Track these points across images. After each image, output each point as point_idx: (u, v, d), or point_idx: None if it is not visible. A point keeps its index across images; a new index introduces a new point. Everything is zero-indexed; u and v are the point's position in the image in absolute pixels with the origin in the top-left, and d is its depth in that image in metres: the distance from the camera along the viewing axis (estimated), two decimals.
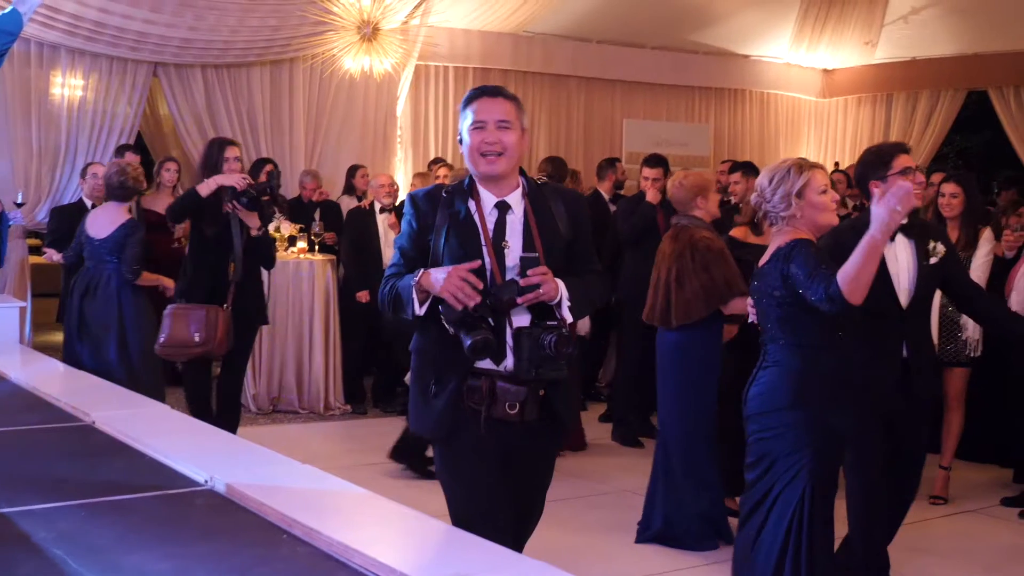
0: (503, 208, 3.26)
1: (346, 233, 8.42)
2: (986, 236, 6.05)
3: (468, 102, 3.26)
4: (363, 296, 8.21)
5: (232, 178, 5.85)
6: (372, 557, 2.28)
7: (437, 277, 3.11)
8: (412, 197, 3.37)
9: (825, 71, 13.23)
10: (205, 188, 5.84)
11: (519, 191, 3.29)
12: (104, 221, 6.41)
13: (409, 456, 6.47)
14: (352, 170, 9.38)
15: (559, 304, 3.17)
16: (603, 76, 11.69)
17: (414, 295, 3.15)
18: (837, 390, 3.59)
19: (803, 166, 3.64)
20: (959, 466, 6.43)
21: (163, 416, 4.15)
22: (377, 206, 8.31)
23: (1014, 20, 10.91)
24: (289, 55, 9.48)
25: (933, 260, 4.25)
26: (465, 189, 3.27)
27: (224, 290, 5.95)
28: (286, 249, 8.08)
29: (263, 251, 6.13)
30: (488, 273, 3.17)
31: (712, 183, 5.57)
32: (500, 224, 3.25)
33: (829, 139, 13.24)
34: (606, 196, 8.77)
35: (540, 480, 3.49)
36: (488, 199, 3.26)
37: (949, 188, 6.05)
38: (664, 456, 5.42)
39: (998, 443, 6.85)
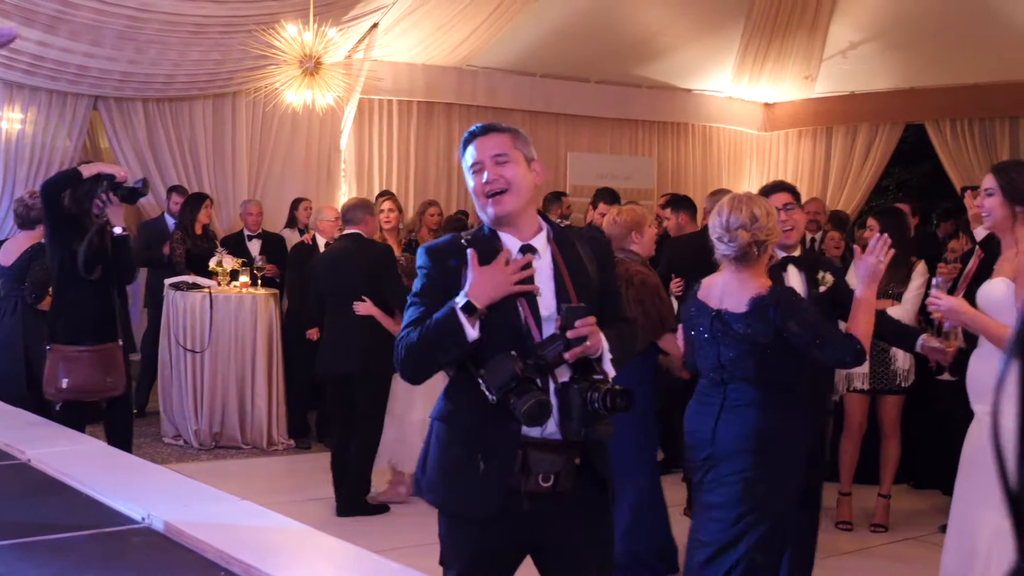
0: (530, 252, 2.94)
1: (290, 268, 8.37)
2: (919, 269, 6.13)
3: (464, 147, 2.99)
4: (312, 335, 8.18)
5: (114, 168, 5.69)
6: None
7: (483, 281, 2.82)
8: (429, 250, 3.05)
9: (766, 105, 13.42)
10: (87, 170, 5.57)
11: (543, 234, 2.99)
12: (12, 249, 6.48)
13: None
14: (295, 203, 9.34)
15: (601, 358, 2.87)
16: (547, 110, 11.77)
17: (461, 318, 2.79)
18: (804, 424, 3.74)
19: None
20: (900, 493, 6.50)
21: (101, 453, 4.07)
22: (321, 241, 8.27)
23: (948, 56, 11.15)
24: (231, 89, 9.45)
25: (822, 288, 4.36)
26: (487, 235, 2.96)
27: (112, 319, 5.64)
28: (228, 283, 8.01)
29: (123, 256, 5.66)
30: (523, 326, 2.86)
31: (646, 218, 5.57)
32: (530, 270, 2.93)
33: (771, 172, 13.41)
34: None
35: (594, 553, 3.02)
36: (512, 244, 2.94)
37: (871, 223, 6.13)
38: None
39: (939, 469, 6.92)
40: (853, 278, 4.03)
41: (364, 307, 6.34)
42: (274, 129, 9.75)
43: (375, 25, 9.86)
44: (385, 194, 9.28)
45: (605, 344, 2.86)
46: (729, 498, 3.66)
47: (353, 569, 2.70)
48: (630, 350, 3.08)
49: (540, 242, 2.96)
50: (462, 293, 2.82)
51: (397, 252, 7.87)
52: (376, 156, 10.67)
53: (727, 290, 3.73)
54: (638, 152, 12.65)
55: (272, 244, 8.88)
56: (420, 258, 3.02)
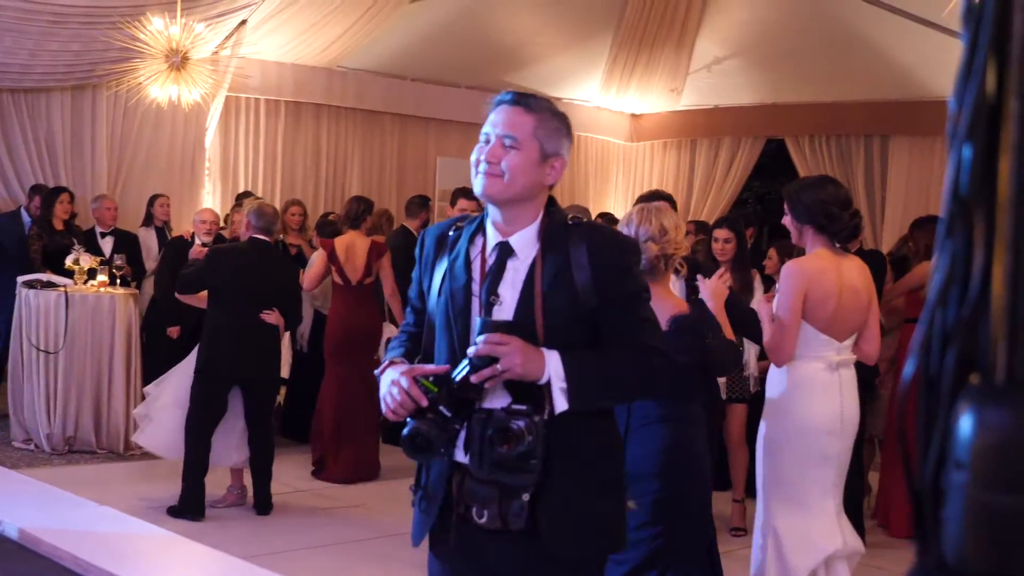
0: (504, 251, 2.59)
1: (163, 261, 8.17)
2: (758, 280, 6.35)
3: (491, 108, 2.65)
4: (173, 332, 7.96)
5: None
6: None
7: (386, 376, 2.53)
8: (423, 235, 2.78)
9: (633, 116, 13.61)
10: None
11: (531, 230, 2.59)
12: None
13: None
14: (151, 199, 9.07)
15: (548, 385, 2.44)
16: (417, 114, 11.70)
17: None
18: (706, 436, 3.82)
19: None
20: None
21: None
22: (197, 242, 8.08)
23: (808, 74, 11.49)
24: (92, 81, 9.13)
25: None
26: (478, 224, 2.67)
27: None
28: (85, 282, 7.74)
29: None
30: (474, 335, 2.49)
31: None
32: (497, 271, 2.57)
33: (637, 182, 13.61)
34: (415, 233, 8.82)
35: None
36: (493, 238, 2.62)
37: (722, 234, 6.26)
38: None
39: None
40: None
41: (274, 317, 6.52)
42: (136, 125, 9.46)
43: (244, 22, 9.66)
44: (248, 195, 9.11)
45: (557, 368, 2.42)
46: (641, 518, 3.61)
47: (216, 573, 2.62)
48: (633, 382, 2.59)
49: (524, 239, 2.58)
50: (384, 364, 2.61)
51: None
52: (242, 155, 10.44)
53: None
54: None
55: (126, 242, 8.62)
56: (419, 239, 2.80)
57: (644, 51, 12.34)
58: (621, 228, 3.76)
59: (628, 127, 13.70)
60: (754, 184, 15.81)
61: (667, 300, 3.67)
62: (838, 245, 4.08)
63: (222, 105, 9.92)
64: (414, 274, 2.77)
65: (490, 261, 2.59)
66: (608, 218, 7.50)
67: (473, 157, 2.60)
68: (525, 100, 2.61)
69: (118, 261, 8.01)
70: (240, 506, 6.65)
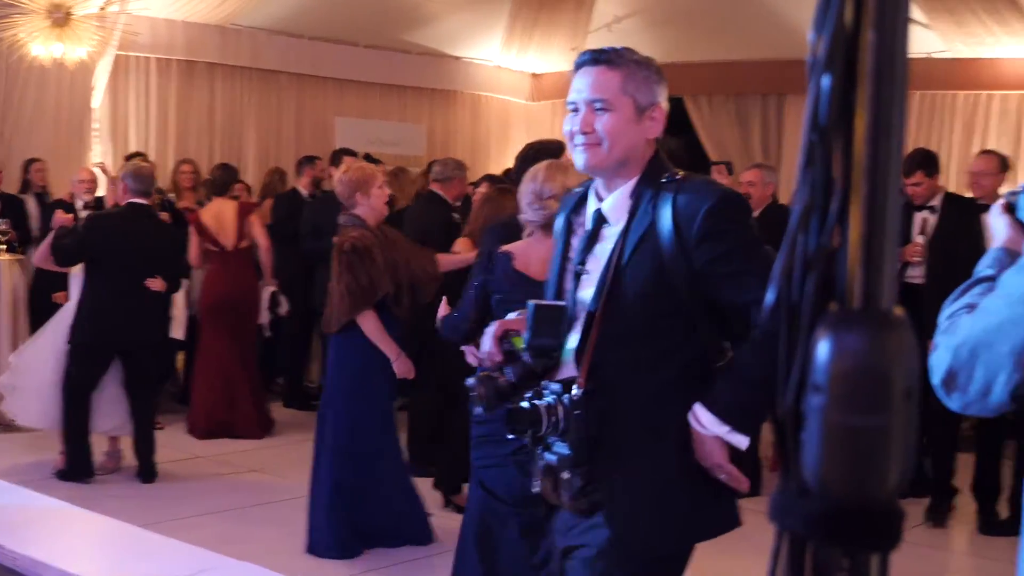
0: (598, 219, 2.44)
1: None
2: None
3: (574, 73, 2.48)
4: (60, 297, 7.76)
5: None
6: (63, 570, 2.13)
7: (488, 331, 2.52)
8: (562, 201, 2.71)
9: (534, 75, 13.61)
10: None
11: (625, 192, 2.41)
12: None
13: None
14: (27, 164, 8.77)
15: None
16: (315, 73, 11.51)
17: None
18: None
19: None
20: None
21: None
22: (78, 203, 7.87)
23: (708, 33, 11.60)
24: None
25: None
26: (584, 189, 2.56)
27: None
28: None
29: None
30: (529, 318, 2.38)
31: (376, 178, 5.26)
32: (589, 240, 2.44)
33: None
34: (304, 192, 8.77)
35: None
36: (593, 204, 2.49)
37: None
38: (348, 463, 5.26)
39: None
40: None
41: (158, 283, 6.44)
42: (19, 84, 9.13)
43: None
44: (138, 155, 8.89)
45: (714, 424, 2.26)
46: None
47: (113, 542, 2.57)
48: (767, 369, 2.17)
49: (615, 205, 2.41)
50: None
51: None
52: (132, 116, 10.15)
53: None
54: (407, 118, 12.59)
55: (10, 206, 8.35)
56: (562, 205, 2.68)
57: (544, 10, 12.33)
58: (525, 183, 3.73)
59: (529, 86, 13.69)
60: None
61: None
62: None
63: (111, 64, 9.63)
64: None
65: (585, 229, 2.46)
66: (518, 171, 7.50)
67: (566, 129, 2.42)
68: (606, 56, 2.41)
69: (2, 226, 7.76)
70: (116, 471, 6.56)
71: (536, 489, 2.39)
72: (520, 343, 2.37)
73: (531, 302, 2.35)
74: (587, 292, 2.38)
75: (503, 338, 2.41)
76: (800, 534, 0.76)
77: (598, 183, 2.47)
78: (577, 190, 2.61)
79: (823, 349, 0.73)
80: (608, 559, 2.35)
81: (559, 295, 2.46)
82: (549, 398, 2.29)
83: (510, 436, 2.34)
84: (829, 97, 0.75)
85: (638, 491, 2.34)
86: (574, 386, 2.30)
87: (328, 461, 5.20)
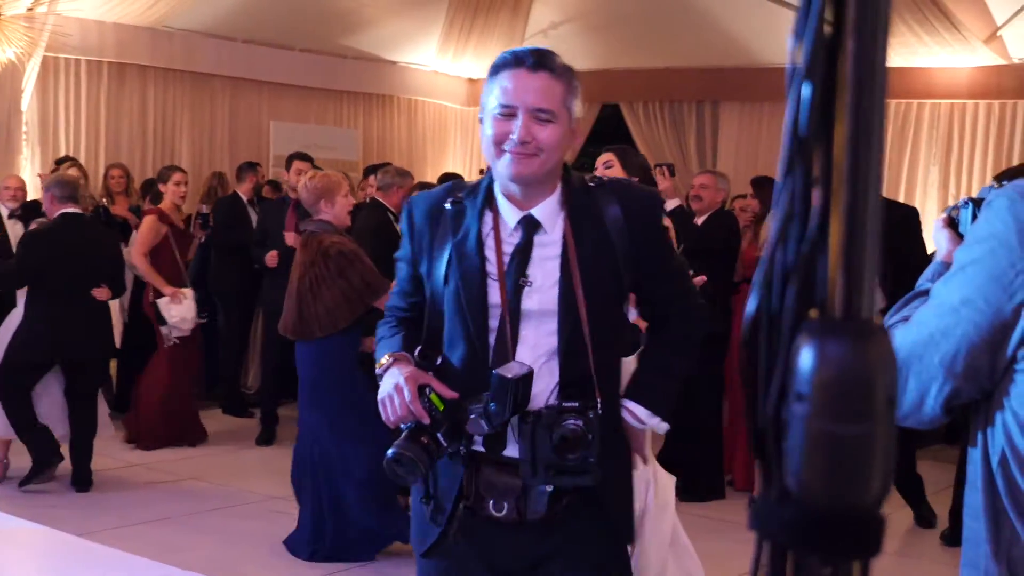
0: (529, 226, 2.33)
1: None
2: None
3: (497, 70, 2.31)
4: None
5: None
6: None
7: (384, 380, 2.31)
8: (409, 206, 2.45)
9: (470, 80, 13.60)
10: None
11: (555, 198, 2.34)
12: None
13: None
14: None
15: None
16: (249, 76, 11.40)
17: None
18: None
19: None
20: None
21: None
22: (3, 211, 7.71)
23: (643, 40, 11.68)
24: None
25: None
26: (481, 196, 2.36)
27: None
28: None
29: None
30: (474, 337, 2.30)
31: (341, 186, 5.37)
32: (523, 250, 2.31)
33: (475, 147, 13.62)
34: (244, 198, 8.72)
35: None
36: (509, 212, 2.34)
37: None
38: (327, 469, 5.26)
39: None
40: None
41: (104, 292, 6.36)
42: None
43: None
44: (67, 160, 8.74)
45: (647, 420, 2.38)
46: None
47: (53, 554, 2.52)
48: (679, 368, 2.48)
49: (547, 210, 2.33)
50: (386, 358, 2.34)
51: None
52: (62, 119, 9.96)
53: None
54: (343, 123, 12.52)
55: None
56: (404, 211, 2.47)
57: (480, 15, 12.33)
58: None
59: (465, 91, 13.68)
60: (589, 149, 16.00)
61: None
62: None
63: (39, 66, 9.44)
64: (402, 253, 2.45)
65: (514, 239, 2.31)
66: (454, 177, 7.51)
67: (496, 132, 2.27)
68: (548, 63, 2.31)
69: None
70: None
71: (498, 512, 2.32)
72: (438, 401, 2.25)
73: (497, 374, 2.20)
74: (532, 302, 2.31)
75: (422, 395, 2.26)
76: (781, 542, 0.76)
77: (510, 193, 2.35)
78: (437, 196, 2.42)
79: (806, 358, 0.73)
80: (605, 546, 2.42)
81: (483, 308, 2.33)
82: (578, 422, 2.21)
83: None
84: (809, 105, 0.75)
85: (616, 480, 2.40)
86: (595, 405, 2.26)
87: (355, 457, 5.15)
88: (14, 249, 6.94)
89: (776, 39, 10.86)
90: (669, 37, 11.43)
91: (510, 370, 2.19)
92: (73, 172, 7.58)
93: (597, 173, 4.09)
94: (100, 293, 6.32)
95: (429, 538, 2.39)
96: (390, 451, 2.23)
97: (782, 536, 0.76)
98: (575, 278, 2.28)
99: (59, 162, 8.81)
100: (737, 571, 5.07)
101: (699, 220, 6.55)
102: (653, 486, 3.89)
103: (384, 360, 2.35)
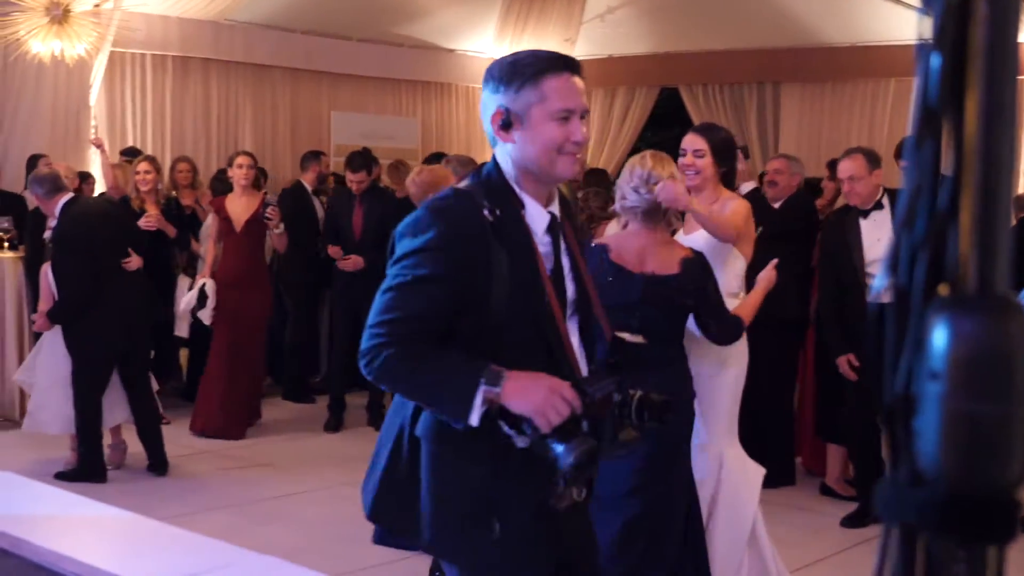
0: (555, 227, 2.41)
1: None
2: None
3: (540, 75, 2.32)
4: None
5: None
6: (87, 563, 2.11)
7: (529, 388, 2.18)
8: (441, 213, 2.31)
9: None
10: None
11: (556, 202, 2.46)
12: None
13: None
14: (32, 160, 8.73)
15: None
16: (309, 67, 11.47)
17: (479, 398, 2.17)
18: None
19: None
20: None
21: None
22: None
23: (702, 22, 11.57)
24: None
25: None
26: (509, 197, 2.37)
27: None
28: None
29: None
30: (554, 340, 2.34)
31: (447, 179, 5.46)
32: (557, 253, 2.40)
33: None
34: (309, 188, 8.77)
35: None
36: (537, 213, 2.39)
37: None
38: None
39: None
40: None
41: (136, 261, 6.33)
42: (17, 82, 9.08)
43: None
44: (134, 152, 8.85)
45: None
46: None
47: (129, 535, 2.55)
48: None
49: (557, 212, 2.45)
50: (492, 373, 2.17)
51: (154, 212, 7.54)
52: (129, 112, 10.11)
53: (650, 251, 3.69)
54: (402, 112, 12.56)
55: (10, 204, 8.30)
56: (425, 222, 2.29)
57: (537, 1, 12.29)
58: (629, 171, 3.74)
59: None
60: (646, 134, 15.92)
61: (675, 243, 3.80)
62: None
63: (106, 61, 9.58)
64: (432, 273, 2.26)
65: (547, 242, 2.39)
66: (440, 158, 7.61)
67: (559, 135, 2.31)
68: (576, 65, 2.41)
69: (4, 224, 7.72)
70: (121, 466, 6.53)
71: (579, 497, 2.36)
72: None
73: (618, 335, 2.39)
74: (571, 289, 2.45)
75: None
76: (912, 526, 0.74)
77: (540, 191, 2.41)
78: (468, 208, 2.33)
79: (939, 335, 0.71)
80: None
81: (562, 297, 2.40)
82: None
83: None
84: (939, 76, 0.73)
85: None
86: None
87: None
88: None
89: (836, 18, 10.71)
90: (727, 18, 11.30)
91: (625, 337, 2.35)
92: (144, 166, 7.66)
93: (686, 162, 4.08)
94: (131, 263, 6.30)
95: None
96: (570, 457, 2.14)
97: (913, 520, 0.74)
98: (583, 275, 2.44)
99: (125, 153, 8.94)
100: (801, 561, 5.01)
101: (776, 205, 6.48)
102: (725, 469, 3.85)
103: (493, 372, 2.20)
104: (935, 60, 0.73)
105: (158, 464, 6.44)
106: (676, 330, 3.73)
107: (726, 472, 4.06)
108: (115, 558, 2.35)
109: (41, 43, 8.12)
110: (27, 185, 6.89)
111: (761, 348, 6.48)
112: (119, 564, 2.24)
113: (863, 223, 5.46)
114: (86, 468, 6.22)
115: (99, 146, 8.28)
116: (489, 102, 2.38)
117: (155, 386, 6.73)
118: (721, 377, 4.12)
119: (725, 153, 4.14)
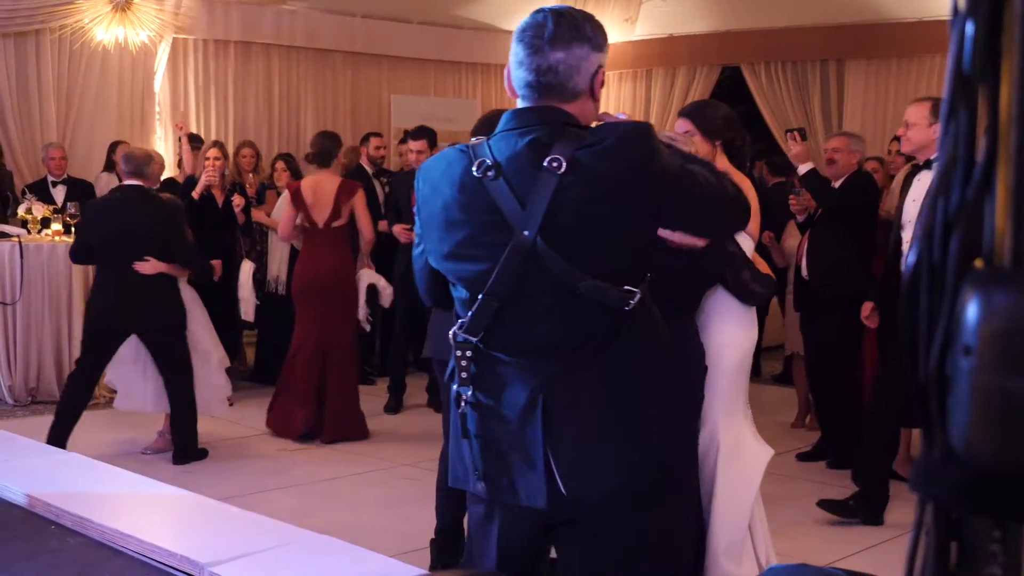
0: None
1: None
2: None
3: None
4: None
5: None
6: (149, 542, 2.15)
7: None
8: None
9: None
10: None
11: None
12: None
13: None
14: (113, 146, 8.91)
15: None
16: (369, 51, 11.53)
17: None
18: None
19: None
20: None
21: None
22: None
23: (762, 0, 11.43)
24: (34, 26, 8.90)
25: None
26: None
27: None
28: (39, 231, 7.61)
29: None
30: None
31: None
32: None
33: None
34: (368, 169, 8.88)
35: None
36: None
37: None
38: None
39: None
40: None
41: (150, 266, 6.09)
42: (83, 69, 9.23)
43: None
44: (197, 140, 8.96)
45: None
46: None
47: (189, 514, 2.59)
48: None
49: None
50: None
51: (220, 197, 7.61)
52: (192, 98, 10.25)
53: None
54: (462, 94, 12.57)
55: (79, 190, 8.46)
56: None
57: None
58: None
59: None
60: None
61: None
62: None
63: (170, 47, 9.71)
64: None
65: None
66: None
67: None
68: None
69: (72, 209, 7.86)
70: (167, 451, 6.48)
71: None
72: None
73: None
74: None
75: None
76: (946, 503, 0.73)
77: None
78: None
79: (972, 309, 0.70)
80: None
81: None
82: None
83: None
84: (973, 44, 0.71)
85: None
86: None
87: None
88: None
89: None
90: None
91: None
92: (213, 152, 7.76)
93: (678, 143, 3.98)
94: (143, 267, 6.08)
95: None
96: None
97: (947, 497, 0.73)
98: None
99: (191, 139, 9.06)
100: (868, 541, 4.96)
101: (836, 184, 6.38)
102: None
103: None
104: (969, 28, 0.71)
105: (180, 452, 6.36)
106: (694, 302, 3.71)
107: (721, 455, 3.96)
108: (175, 536, 2.39)
109: (104, 31, 8.24)
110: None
111: (824, 328, 6.45)
112: (179, 542, 2.28)
113: (915, 181, 5.39)
114: (187, 448, 6.37)
115: (183, 129, 8.33)
116: (590, 58, 2.38)
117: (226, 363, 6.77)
118: (721, 355, 4.02)
119: (714, 129, 4.05)
